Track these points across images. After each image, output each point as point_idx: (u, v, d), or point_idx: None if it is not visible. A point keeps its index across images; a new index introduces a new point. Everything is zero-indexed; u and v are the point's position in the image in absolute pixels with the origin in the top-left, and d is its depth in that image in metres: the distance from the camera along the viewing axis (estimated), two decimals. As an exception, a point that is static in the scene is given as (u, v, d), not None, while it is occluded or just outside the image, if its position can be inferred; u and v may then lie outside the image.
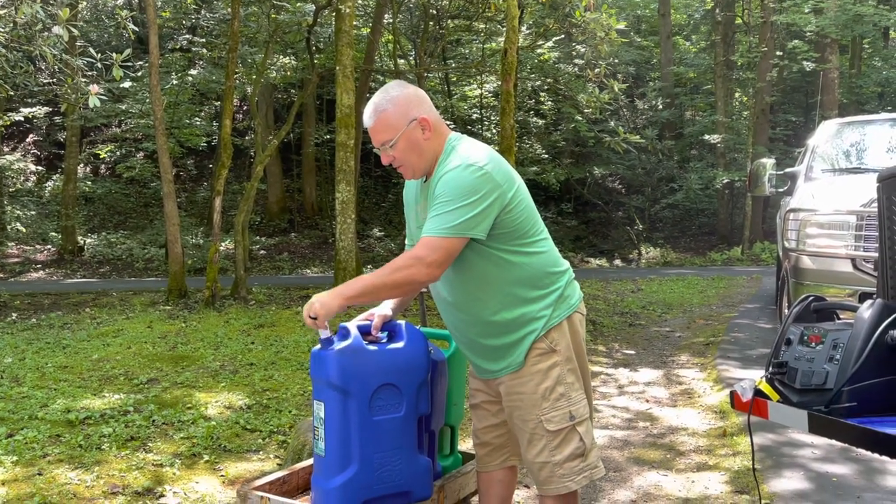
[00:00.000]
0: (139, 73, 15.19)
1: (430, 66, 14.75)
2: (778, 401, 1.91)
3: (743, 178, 16.68)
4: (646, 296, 10.51)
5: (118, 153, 18.42)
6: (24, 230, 16.48)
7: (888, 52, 21.15)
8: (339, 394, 2.14)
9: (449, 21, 14.62)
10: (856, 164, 5.64)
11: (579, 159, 19.93)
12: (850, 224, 4.51)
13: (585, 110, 17.21)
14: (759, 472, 3.39)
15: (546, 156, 18.36)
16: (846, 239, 4.53)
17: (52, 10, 6.44)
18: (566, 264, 2.29)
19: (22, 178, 18.61)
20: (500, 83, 9.18)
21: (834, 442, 3.33)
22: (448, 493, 2.51)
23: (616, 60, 18.58)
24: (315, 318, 2.07)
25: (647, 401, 4.97)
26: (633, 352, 6.64)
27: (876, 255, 2.05)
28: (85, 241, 16.65)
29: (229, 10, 11.29)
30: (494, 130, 17.48)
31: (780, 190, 6.01)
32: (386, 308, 2.34)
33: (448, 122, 19.83)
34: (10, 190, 17.86)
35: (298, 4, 10.92)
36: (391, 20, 13.73)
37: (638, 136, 12.44)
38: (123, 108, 15.48)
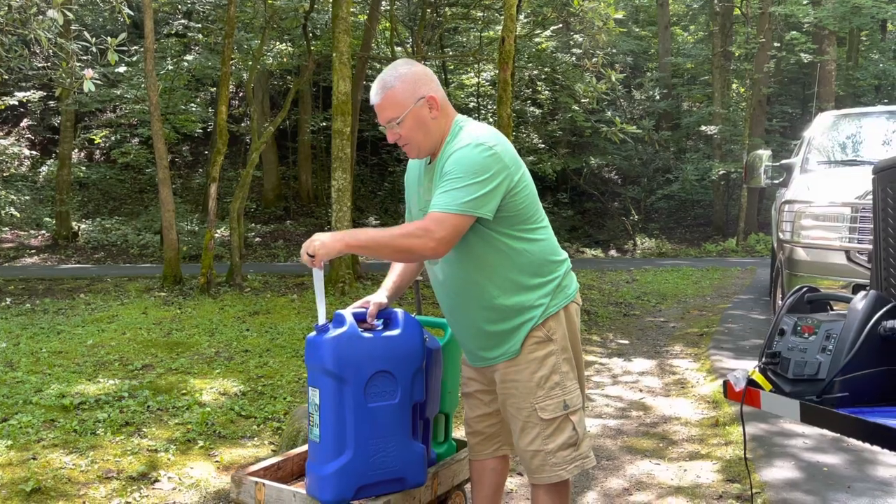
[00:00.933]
0: (134, 58, 15.10)
1: (427, 54, 14.68)
2: (770, 391, 1.93)
3: (739, 169, 16.71)
4: (640, 286, 10.54)
5: (113, 138, 18.32)
6: (18, 215, 16.41)
7: (885, 44, 21.14)
8: (334, 381, 2.15)
9: (446, 9, 14.55)
10: (851, 156, 5.65)
11: (576, 149, 19.92)
12: (844, 216, 4.53)
13: (582, 100, 17.18)
14: (751, 462, 3.42)
15: (542, 145, 18.34)
16: (840, 231, 4.55)
17: (47, -7, 6.38)
18: (565, 254, 2.29)
19: (16, 162, 18.51)
20: (497, 72, 9.16)
21: (825, 432, 3.36)
22: (442, 480, 2.52)
23: (614, 50, 18.54)
24: (313, 256, 2.05)
25: (641, 390, 5.00)
26: (627, 342, 6.67)
27: (870, 247, 2.06)
28: (79, 226, 16.59)
29: (225, -5, 11.21)
30: (491, 119, 17.43)
31: (776, 181, 6.02)
32: (381, 296, 2.34)
33: (445, 111, 19.93)
34: (4, 175, 17.77)
35: (295, -10, 10.86)
36: (388, 7, 13.66)
37: (634, 127, 12.44)
38: (118, 93, 15.37)
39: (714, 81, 19.25)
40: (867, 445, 1.70)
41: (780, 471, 3.29)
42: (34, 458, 3.45)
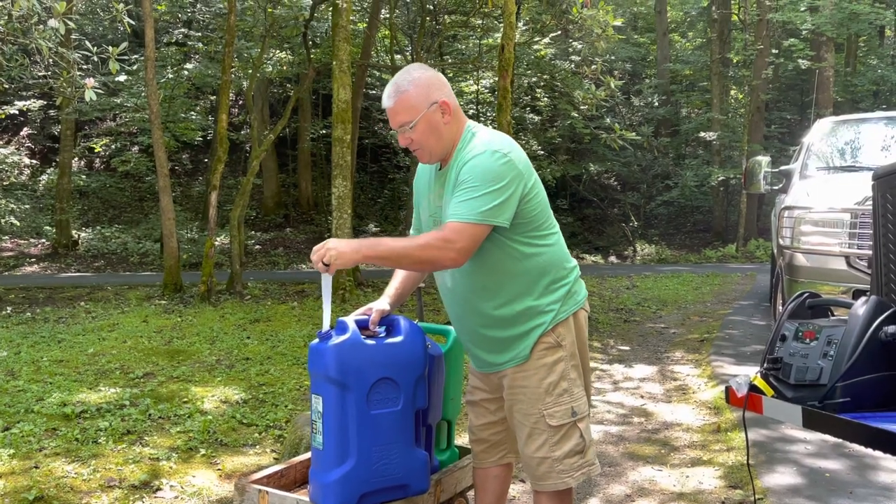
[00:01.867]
0: (135, 67, 15.13)
1: (426, 62, 14.73)
2: (773, 396, 1.93)
3: (738, 175, 16.73)
4: (641, 292, 10.54)
5: (113, 147, 18.34)
6: (18, 224, 16.41)
7: (883, 50, 21.21)
8: (337, 388, 2.15)
9: (446, 16, 14.60)
10: (850, 162, 5.67)
11: (575, 156, 19.95)
12: (844, 222, 4.54)
13: (581, 107, 17.23)
14: (753, 468, 3.42)
15: (542, 152, 18.38)
16: (840, 236, 4.55)
17: (48, 3, 6.41)
18: (574, 261, 2.30)
19: (16, 171, 18.53)
20: (496, 79, 9.19)
21: (827, 437, 3.36)
22: (445, 487, 2.52)
23: (612, 57, 18.61)
24: (328, 265, 2.03)
25: (642, 396, 5.00)
26: (627, 348, 6.67)
27: (870, 252, 2.07)
28: (79, 235, 16.59)
29: (225, 3, 11.26)
30: (491, 126, 17.46)
31: (775, 188, 6.03)
32: (384, 303, 2.35)
33: (444, 118, 19.85)
34: (5, 183, 17.79)
35: (295, -1, 10.90)
36: (388, 15, 13.71)
37: (634, 133, 12.47)
38: (119, 101, 15.41)
39: (712, 88, 19.30)
40: (869, 451, 1.71)
41: (782, 477, 3.29)
42: (36, 467, 3.44)
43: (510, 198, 2.04)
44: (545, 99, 18.49)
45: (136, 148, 18.57)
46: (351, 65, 9.59)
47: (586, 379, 2.27)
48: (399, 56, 15.38)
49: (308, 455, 2.49)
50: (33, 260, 15.00)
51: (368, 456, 2.17)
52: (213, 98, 18.28)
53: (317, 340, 2.22)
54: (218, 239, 13.34)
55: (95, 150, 18.36)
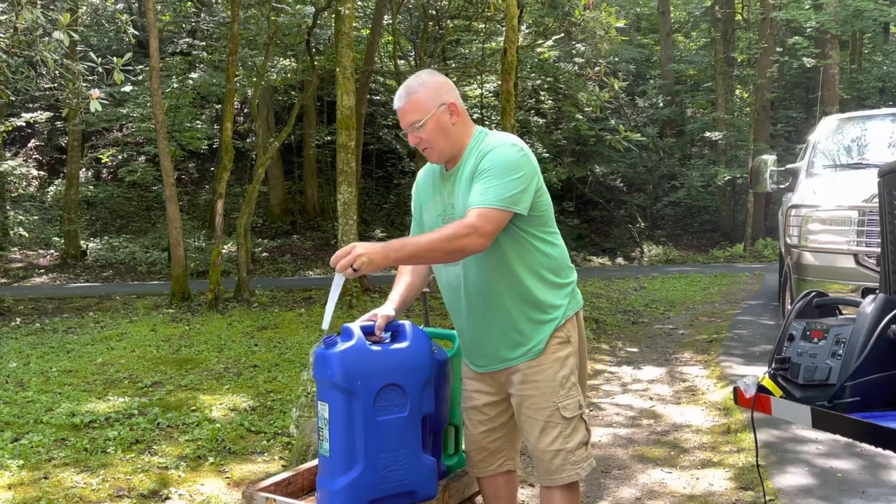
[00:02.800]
0: (140, 77, 15.21)
1: (430, 67, 14.75)
2: (781, 397, 1.92)
3: (744, 174, 16.67)
4: (648, 294, 10.51)
5: (120, 157, 18.44)
6: (26, 235, 16.51)
7: (889, 47, 21.10)
8: (343, 394, 2.14)
9: (448, 21, 14.63)
10: (857, 159, 5.64)
11: (580, 158, 19.93)
12: (851, 219, 4.51)
13: (586, 109, 17.21)
14: (764, 469, 3.40)
15: (547, 155, 18.36)
16: (848, 234, 4.53)
17: (53, 15, 6.46)
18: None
19: (24, 183, 18.65)
20: (500, 83, 9.19)
21: (838, 437, 3.33)
22: (453, 493, 2.51)
23: (616, 59, 18.59)
24: (356, 270, 2.01)
25: (651, 398, 4.97)
26: (636, 350, 6.64)
27: (878, 250, 2.06)
28: (88, 245, 16.67)
29: (229, 13, 11.31)
30: (495, 130, 17.50)
31: (782, 186, 6.01)
32: (389, 308, 2.34)
33: (449, 123, 19.76)
34: (13, 195, 17.90)
35: (298, 6, 10.94)
36: (391, 21, 13.74)
37: (639, 135, 12.44)
38: (124, 112, 15.50)
39: (717, 87, 19.25)
40: (881, 450, 1.69)
41: (793, 477, 3.26)
42: (46, 478, 3.45)
43: (528, 188, 2.13)
44: (549, 101, 18.48)
45: (142, 158, 18.66)
46: (354, 71, 9.61)
47: (583, 375, 2.35)
48: (402, 61, 15.41)
49: (316, 462, 2.48)
50: (42, 271, 15.07)
51: (375, 462, 2.16)
52: (218, 107, 18.34)
53: (322, 347, 2.21)
54: (225, 247, 13.37)
55: (102, 161, 18.48)
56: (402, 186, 19.82)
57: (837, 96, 17.02)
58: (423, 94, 2.18)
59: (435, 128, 2.19)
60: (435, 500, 2.36)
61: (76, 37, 6.11)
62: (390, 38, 14.50)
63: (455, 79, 18.50)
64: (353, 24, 9.78)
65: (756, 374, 1.97)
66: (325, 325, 2.18)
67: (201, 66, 17.22)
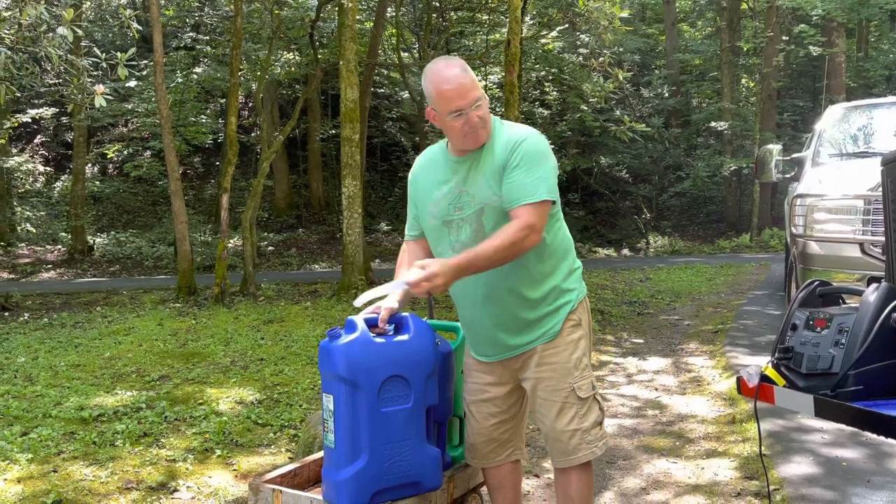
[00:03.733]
0: (144, 72, 15.24)
1: (433, 59, 14.71)
2: (784, 386, 1.92)
3: (750, 164, 16.60)
4: (654, 284, 10.49)
5: (125, 152, 18.51)
6: (34, 231, 16.60)
7: (895, 35, 20.95)
8: (347, 386, 2.15)
9: (452, 13, 14.58)
10: (863, 148, 5.61)
11: (585, 149, 19.88)
12: (857, 208, 4.49)
13: (591, 100, 17.16)
14: (769, 458, 3.40)
15: (552, 146, 18.25)
16: (854, 223, 4.51)
17: (57, 10, 6.47)
18: None
19: (31, 179, 18.72)
20: (504, 74, 9.17)
21: (843, 426, 3.33)
22: (458, 483, 2.53)
23: (621, 49, 18.51)
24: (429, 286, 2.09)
25: (656, 389, 4.98)
26: (641, 340, 6.64)
27: (884, 239, 2.06)
28: (94, 240, 16.75)
29: (232, 7, 11.30)
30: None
31: (788, 176, 5.98)
32: (392, 300, 2.34)
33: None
34: (20, 191, 17.98)
35: (301, 0, 10.92)
36: (394, 13, 13.71)
37: (644, 125, 12.39)
38: (129, 107, 15.53)
39: (723, 77, 19.15)
40: (885, 439, 1.69)
41: (798, 466, 3.27)
42: (55, 471, 3.48)
43: (556, 176, 2.19)
44: (554, 93, 18.43)
45: (148, 153, 18.71)
46: (358, 64, 9.61)
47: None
48: (406, 54, 15.37)
49: (321, 454, 2.50)
50: (50, 266, 15.15)
51: (380, 453, 2.17)
52: (222, 101, 18.36)
53: (327, 339, 2.23)
54: (231, 241, 13.42)
55: (108, 156, 18.54)
56: (407, 179, 19.82)
57: (844, 85, 16.93)
58: (470, 73, 2.19)
59: (486, 105, 2.19)
60: (440, 491, 2.38)
61: (80, 32, 6.11)
62: (394, 30, 14.47)
63: (459, 71, 18.45)
64: (357, 17, 9.77)
65: (760, 363, 1.97)
66: (358, 303, 2.22)
67: (205, 60, 17.23)
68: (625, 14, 9.86)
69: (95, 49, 6.73)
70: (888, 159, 1.98)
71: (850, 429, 3.39)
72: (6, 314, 9.04)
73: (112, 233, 17.56)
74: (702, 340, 6.44)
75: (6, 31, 6.25)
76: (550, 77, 17.69)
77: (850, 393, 1.77)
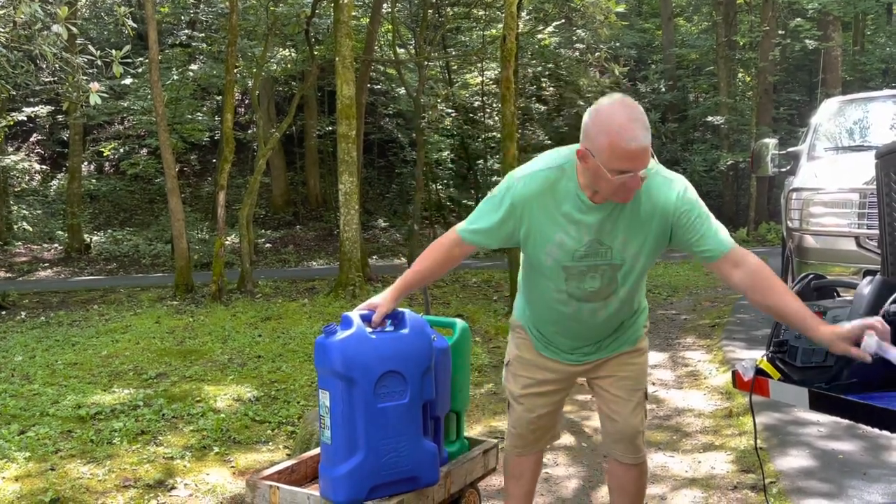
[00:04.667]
0: (139, 70, 15.19)
1: (430, 55, 14.71)
2: (779, 379, 1.93)
3: (747, 159, 16.61)
4: (651, 279, 10.51)
5: (122, 150, 18.45)
6: (30, 229, 16.56)
7: (892, 28, 20.96)
8: (343, 382, 2.16)
9: (448, 9, 14.57)
10: (858, 141, 5.62)
11: (582, 145, 19.85)
12: (853, 202, 4.50)
13: (587, 95, 17.15)
14: (765, 451, 3.41)
15: (549, 142, 18.31)
16: (849, 217, 4.52)
17: (51, 8, 6.44)
18: None
19: (27, 177, 18.68)
20: (500, 70, 9.16)
21: (839, 419, 3.34)
22: (455, 479, 2.53)
23: (617, 44, 18.51)
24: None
25: (653, 383, 4.99)
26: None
27: (879, 232, 2.06)
28: (91, 238, 16.71)
29: (227, 3, 11.27)
30: (496, 117, 17.46)
31: (783, 170, 5.99)
32: (389, 299, 2.33)
33: (450, 111, 19.43)
34: (16, 190, 17.94)
35: (296, -4, 10.89)
36: (390, 10, 13.69)
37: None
38: (125, 105, 15.48)
39: (719, 71, 19.15)
40: (883, 432, 1.70)
41: (794, 459, 3.28)
42: (52, 469, 3.48)
43: None
44: (550, 88, 18.43)
45: (144, 150, 18.67)
46: (354, 60, 9.59)
47: None
48: (402, 50, 15.35)
49: (319, 450, 2.50)
50: (47, 264, 15.12)
51: (377, 449, 2.18)
52: (219, 98, 18.31)
53: (323, 336, 2.23)
54: (228, 238, 13.40)
55: (104, 154, 18.48)
56: (405, 175, 19.79)
57: (840, 78, 16.93)
58: (649, 134, 1.96)
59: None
60: (437, 486, 2.38)
61: (75, 30, 6.10)
62: (390, 26, 14.44)
63: (455, 67, 18.49)
64: (352, 13, 9.75)
65: (756, 357, 1.97)
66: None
67: (201, 57, 17.19)
68: (621, 9, 9.86)
69: (90, 46, 6.71)
70: (882, 152, 1.99)
71: (846, 422, 3.40)
72: (3, 313, 9.03)
73: (109, 231, 17.52)
74: (699, 335, 6.45)
75: (1, 30, 6.23)
76: (547, 73, 17.68)
77: (844, 386, 1.78)
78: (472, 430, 3.99)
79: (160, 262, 15.31)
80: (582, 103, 17.84)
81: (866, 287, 1.87)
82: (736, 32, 18.71)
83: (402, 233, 18.02)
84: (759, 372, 1.95)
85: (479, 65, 17.66)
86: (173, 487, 3.32)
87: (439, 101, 17.23)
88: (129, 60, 6.14)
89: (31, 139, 20.15)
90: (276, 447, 3.87)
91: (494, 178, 16.66)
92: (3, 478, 3.37)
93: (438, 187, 18.63)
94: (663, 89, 20.86)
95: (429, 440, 2.33)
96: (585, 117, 2.03)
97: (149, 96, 13.36)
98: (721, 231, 2.08)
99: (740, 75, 20.69)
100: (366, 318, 2.25)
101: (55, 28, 5.73)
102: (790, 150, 6.06)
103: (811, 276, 2.09)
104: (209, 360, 5.83)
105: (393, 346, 2.22)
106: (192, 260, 10.91)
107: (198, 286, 10.10)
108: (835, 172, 4.87)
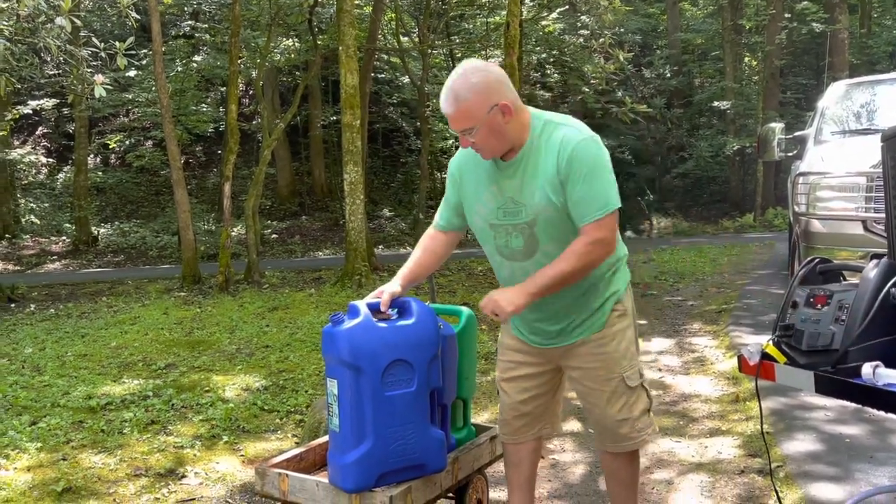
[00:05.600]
0: (143, 62, 15.19)
1: (433, 43, 14.65)
2: (785, 363, 1.93)
3: (753, 144, 16.52)
4: (657, 266, 10.49)
5: (127, 142, 18.50)
6: (38, 222, 16.64)
7: (899, 9, 20.75)
8: (350, 371, 2.17)
9: (451, -4, 14.48)
10: (865, 125, 5.58)
11: (587, 131, 19.77)
12: (860, 186, 4.48)
13: (592, 81, 17.06)
14: (772, 436, 3.41)
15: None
16: (857, 201, 4.50)
17: (55, 1, 6.44)
18: None
19: (34, 171, 18.75)
20: (504, 57, 9.13)
21: (846, 403, 3.35)
22: (462, 465, 2.55)
23: (622, 29, 18.37)
24: (499, 315, 2.11)
25: (660, 369, 4.99)
26: (645, 322, 6.65)
27: (885, 215, 2.05)
28: (99, 231, 16.79)
29: (230, -7, 11.25)
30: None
31: (790, 154, 5.96)
32: (395, 285, 2.34)
33: (454, 99, 19.57)
34: (23, 183, 18.01)
35: (299, -15, 10.86)
36: (393, -3, 13.62)
37: (645, 106, 12.33)
38: (130, 97, 15.51)
39: (725, 56, 19.02)
40: (888, 415, 1.70)
41: (801, 444, 3.28)
42: (64, 459, 3.52)
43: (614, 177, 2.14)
44: (555, 75, 18.33)
45: (149, 142, 18.72)
46: (357, 49, 9.56)
47: (637, 344, 2.39)
48: (405, 38, 15.29)
49: (327, 438, 2.52)
50: (55, 257, 15.21)
51: (385, 437, 2.19)
52: (223, 89, 18.31)
53: (330, 325, 2.24)
54: (234, 229, 13.44)
55: (110, 147, 18.53)
56: (409, 165, 19.78)
57: (847, 62, 16.79)
58: (473, 100, 2.06)
59: (487, 132, 2.09)
60: (444, 473, 2.40)
61: (78, 22, 6.10)
62: (393, 14, 14.38)
63: (460, 54, 18.38)
64: (355, 2, 9.72)
65: (762, 342, 1.97)
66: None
67: (204, 48, 17.17)
68: (625, -6, 9.79)
69: (94, 39, 6.71)
70: (888, 135, 1.97)
71: (853, 406, 3.41)
72: (13, 306, 9.09)
73: (116, 223, 17.60)
74: (705, 321, 6.45)
75: (4, 23, 6.23)
76: (551, 59, 17.57)
77: (850, 369, 1.77)
78: (479, 417, 4.01)
79: (167, 253, 15.37)
80: (587, 90, 17.74)
81: (872, 270, 1.86)
82: (742, 16, 18.55)
83: (407, 222, 18.02)
84: (765, 356, 1.94)
85: (483, 52, 17.57)
86: (184, 476, 3.36)
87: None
88: (133, 52, 6.15)
89: (37, 132, 20.20)
90: (284, 436, 3.90)
91: (499, 166, 16.57)
92: (16, 468, 3.41)
93: (443, 176, 18.62)
94: (668, 75, 20.73)
95: (436, 427, 2.34)
96: None
97: (153, 88, 13.37)
98: (592, 203, 2.06)
99: (746, 59, 20.54)
100: (373, 307, 2.25)
101: (59, 20, 5.73)
102: (797, 134, 6.03)
103: (817, 260, 2.08)
104: (217, 351, 5.87)
105: (400, 334, 2.23)
106: (198, 251, 10.95)
107: (205, 277, 10.14)
108: (842, 156, 4.84)
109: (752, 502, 2.91)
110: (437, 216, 2.42)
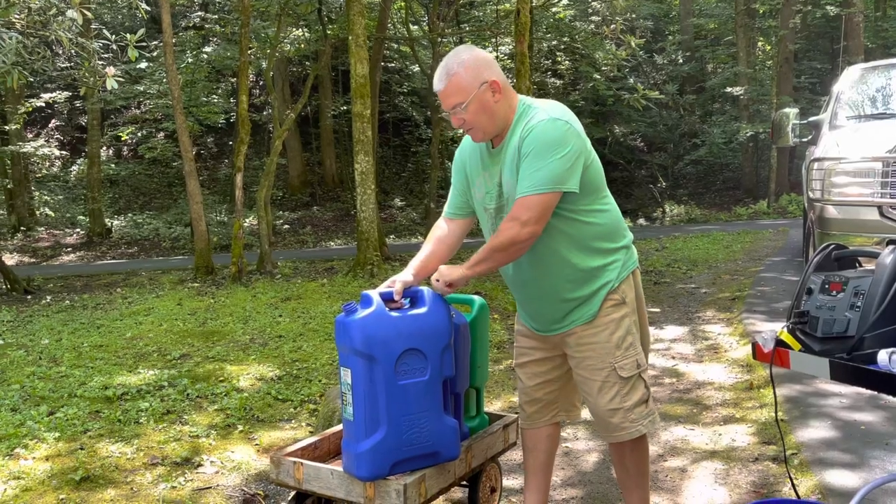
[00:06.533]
0: (154, 53, 15.23)
1: (443, 31, 14.58)
2: (800, 350, 1.91)
3: (767, 129, 16.37)
4: (670, 253, 10.44)
5: (139, 134, 18.57)
6: (52, 215, 16.79)
7: (916, -9, 20.42)
8: (364, 360, 2.18)
9: (461, -16, 14.39)
10: (881, 109, 5.51)
11: (599, 118, 19.69)
12: (875, 171, 4.43)
13: (603, 68, 16.95)
14: (787, 423, 3.40)
15: (566, 117, 18.16)
16: (872, 186, 4.45)
17: (65, -7, 6.46)
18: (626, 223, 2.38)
19: (47, 163, 18.88)
20: (514, 44, 9.08)
21: (861, 390, 3.32)
22: (476, 453, 2.56)
23: (633, 15, 18.24)
24: (450, 286, 2.25)
25: (673, 357, 4.98)
26: (658, 309, 6.63)
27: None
28: (112, 222, 16.91)
29: (240, -16, 11.23)
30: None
31: (805, 140, 5.89)
32: (407, 274, 2.36)
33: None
34: (37, 176, 18.15)
35: (308, -25, 10.83)
36: (402, -14, 13.56)
37: (657, 92, 12.23)
38: (141, 88, 15.56)
39: (738, 41, 18.82)
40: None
41: (816, 431, 3.27)
42: (82, 448, 3.56)
43: (575, 163, 2.11)
44: (566, 62, 18.22)
45: (161, 134, 18.78)
46: (367, 38, 9.54)
47: (644, 333, 2.38)
48: (415, 27, 15.24)
49: (341, 427, 2.54)
50: (69, 249, 15.33)
51: (398, 425, 2.21)
52: (233, 80, 18.33)
53: (343, 314, 2.25)
54: (246, 220, 13.50)
55: (122, 139, 18.62)
56: (420, 154, 19.75)
57: (862, 45, 16.57)
58: (463, 74, 2.13)
59: (477, 108, 2.15)
60: (458, 461, 2.41)
61: (89, 15, 6.12)
62: (402, 3, 14.32)
63: (469, 42, 18.29)
64: (365, -9, 9.67)
65: (776, 329, 1.96)
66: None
67: (214, 39, 17.19)
68: (636, -21, 9.69)
69: (105, 31, 6.73)
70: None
71: (868, 392, 3.39)
72: (29, 297, 9.18)
73: (129, 215, 17.71)
74: (719, 308, 6.42)
75: (16, 16, 6.26)
76: (562, 46, 17.47)
77: (866, 356, 1.76)
78: (492, 406, 4.02)
79: (180, 244, 15.46)
80: (598, 77, 17.64)
81: (888, 256, 1.84)
82: (755, 0, 18.33)
83: (418, 211, 18.02)
84: (780, 343, 1.93)
85: (494, 40, 17.48)
86: (200, 465, 3.39)
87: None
88: (144, 44, 6.16)
89: (50, 125, 20.33)
90: (298, 424, 3.93)
91: (511, 155, 16.53)
92: (34, 458, 3.45)
93: (454, 165, 18.58)
94: (681, 60, 20.55)
95: (449, 416, 2.35)
96: None
97: (164, 80, 13.41)
98: (524, 181, 2.08)
99: (760, 44, 20.32)
100: (385, 297, 2.26)
101: (70, 13, 5.76)
102: (811, 119, 5.96)
103: (832, 246, 2.06)
104: (231, 341, 5.90)
105: (412, 323, 2.24)
106: (211, 242, 11.00)
107: (218, 268, 10.19)
108: (857, 141, 4.79)
109: (767, 489, 2.90)
110: (446, 205, 2.49)
